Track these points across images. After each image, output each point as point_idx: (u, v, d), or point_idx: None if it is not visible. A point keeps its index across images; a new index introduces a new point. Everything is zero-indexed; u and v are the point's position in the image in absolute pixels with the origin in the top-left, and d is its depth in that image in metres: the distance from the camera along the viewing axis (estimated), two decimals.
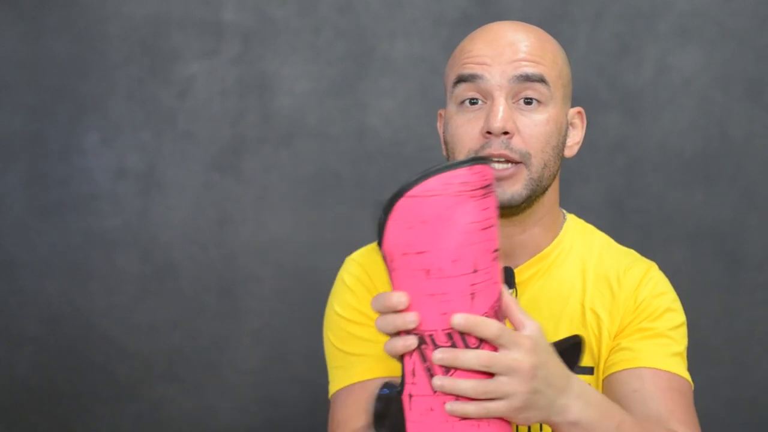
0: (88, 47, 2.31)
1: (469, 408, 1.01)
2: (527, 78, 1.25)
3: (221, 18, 2.30)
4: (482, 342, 1.02)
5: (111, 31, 2.31)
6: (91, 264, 2.32)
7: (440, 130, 1.36)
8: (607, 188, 2.26)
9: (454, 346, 1.02)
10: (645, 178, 2.26)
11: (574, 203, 1.46)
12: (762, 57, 2.25)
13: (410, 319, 1.01)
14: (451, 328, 1.02)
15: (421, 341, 1.02)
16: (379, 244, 1.03)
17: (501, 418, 1.05)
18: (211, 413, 2.30)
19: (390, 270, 1.04)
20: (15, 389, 2.32)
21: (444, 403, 1.03)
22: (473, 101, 1.26)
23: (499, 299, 1.04)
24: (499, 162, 1.24)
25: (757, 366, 2.26)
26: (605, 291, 1.31)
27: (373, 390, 1.07)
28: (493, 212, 1.03)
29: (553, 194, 1.32)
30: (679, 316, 1.32)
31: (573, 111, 1.33)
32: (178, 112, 2.31)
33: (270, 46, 2.30)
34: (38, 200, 2.31)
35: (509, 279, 1.29)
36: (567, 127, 1.31)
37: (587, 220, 1.41)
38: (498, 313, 1.04)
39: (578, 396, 1.07)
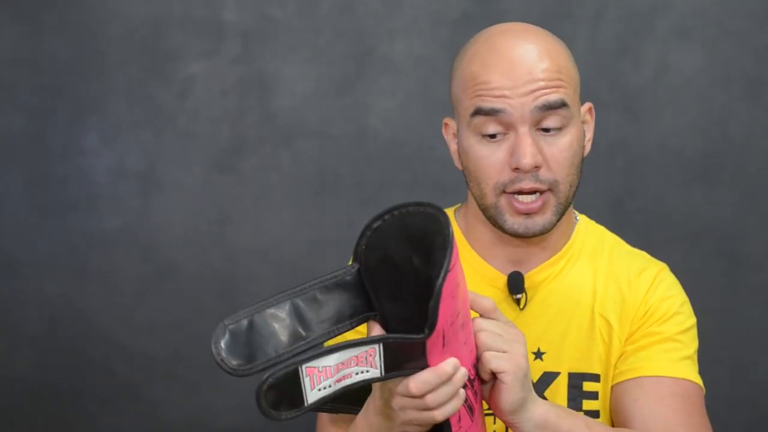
0: (88, 47, 2.31)
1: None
2: (549, 107, 1.23)
3: (221, 18, 2.30)
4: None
5: (111, 31, 2.31)
6: (91, 264, 2.32)
7: (447, 138, 1.34)
8: (607, 188, 2.26)
9: (477, 372, 1.08)
10: (645, 178, 2.26)
11: (574, 203, 1.46)
12: (762, 57, 2.25)
13: (464, 373, 1.05)
14: (475, 358, 1.08)
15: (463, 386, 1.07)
16: (431, 331, 1.01)
17: None
18: (211, 413, 2.30)
19: (436, 351, 1.03)
20: (15, 389, 2.32)
21: (477, 424, 1.09)
22: (494, 135, 1.24)
23: None
24: (528, 194, 1.23)
25: (757, 366, 2.26)
26: (616, 296, 1.30)
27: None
28: None
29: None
30: (688, 319, 1.32)
31: (584, 109, 1.32)
32: (178, 112, 2.31)
33: (270, 46, 2.30)
34: (38, 200, 2.31)
35: (518, 284, 1.28)
36: (584, 131, 1.30)
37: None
38: None
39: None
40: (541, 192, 1.23)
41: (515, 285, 1.29)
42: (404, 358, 1.03)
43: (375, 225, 1.07)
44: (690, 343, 1.31)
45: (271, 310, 1.06)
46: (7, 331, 2.32)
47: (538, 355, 1.28)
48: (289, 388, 0.99)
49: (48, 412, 2.32)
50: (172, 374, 2.31)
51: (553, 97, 1.23)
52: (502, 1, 2.24)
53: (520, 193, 1.23)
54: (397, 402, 1.07)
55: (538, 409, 1.12)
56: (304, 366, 0.99)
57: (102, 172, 2.31)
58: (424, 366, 1.03)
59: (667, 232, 2.26)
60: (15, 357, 2.32)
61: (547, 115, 1.23)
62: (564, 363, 1.28)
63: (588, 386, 1.28)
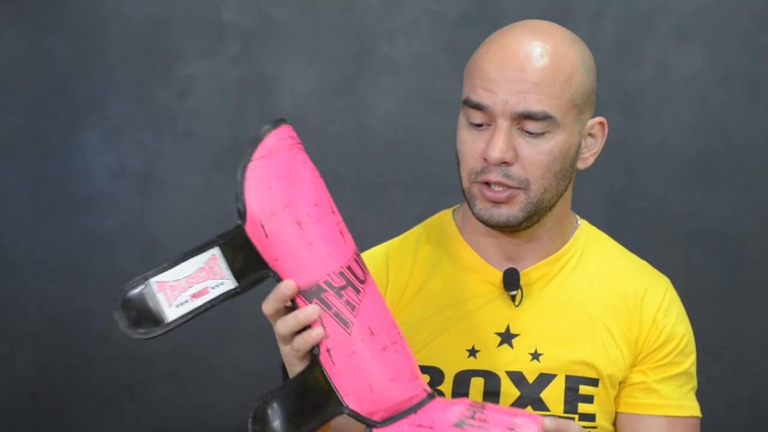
0: (88, 47, 2.31)
1: None
2: (529, 116, 1.23)
3: (221, 18, 2.30)
4: (365, 278, 1.08)
5: (111, 31, 2.31)
6: (91, 264, 2.32)
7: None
8: (607, 188, 2.26)
9: (349, 282, 1.07)
10: (645, 178, 2.26)
11: (574, 203, 1.46)
12: (762, 57, 2.25)
13: (310, 313, 1.05)
14: (342, 266, 1.07)
15: (320, 290, 1.06)
16: (243, 218, 1.06)
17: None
18: (211, 413, 2.30)
19: (262, 244, 1.07)
20: (15, 389, 2.32)
21: (361, 340, 1.06)
22: (479, 124, 1.25)
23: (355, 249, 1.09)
24: (496, 185, 1.24)
25: (757, 365, 2.26)
26: (621, 308, 1.30)
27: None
28: None
29: (563, 204, 1.31)
30: (693, 344, 1.35)
31: (594, 121, 1.30)
32: (178, 112, 2.31)
33: (270, 46, 2.30)
34: (38, 200, 2.31)
35: (514, 280, 1.28)
36: (580, 143, 1.29)
37: (587, 220, 1.40)
38: (358, 256, 1.09)
39: None
40: (510, 187, 1.23)
41: (511, 281, 1.28)
42: (244, 261, 1.08)
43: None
44: (695, 372, 1.35)
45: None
46: (7, 331, 2.32)
47: (536, 356, 1.28)
48: (148, 306, 1.07)
49: (48, 412, 2.32)
50: (172, 374, 2.31)
51: (537, 108, 1.22)
52: (502, 1, 2.24)
53: (488, 183, 1.24)
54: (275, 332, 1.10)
55: None
56: (152, 281, 1.07)
57: (102, 172, 2.31)
58: (272, 273, 1.08)
59: (667, 232, 2.26)
60: (15, 357, 2.32)
61: (528, 122, 1.23)
62: (562, 366, 1.28)
63: (584, 390, 1.28)
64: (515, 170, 1.23)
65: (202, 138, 2.31)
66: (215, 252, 1.07)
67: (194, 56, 2.30)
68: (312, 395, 1.07)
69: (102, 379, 2.31)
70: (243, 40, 2.30)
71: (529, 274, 1.30)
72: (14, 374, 2.32)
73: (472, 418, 1.07)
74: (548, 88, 1.24)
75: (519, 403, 1.27)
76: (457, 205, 1.39)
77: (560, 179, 1.26)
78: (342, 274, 1.07)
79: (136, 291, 1.06)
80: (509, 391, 1.27)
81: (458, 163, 1.30)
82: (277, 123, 1.10)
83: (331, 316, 1.06)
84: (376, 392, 1.07)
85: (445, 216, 1.38)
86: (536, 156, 1.24)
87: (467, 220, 1.33)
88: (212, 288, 1.08)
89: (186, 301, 1.06)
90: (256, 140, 1.09)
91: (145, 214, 2.31)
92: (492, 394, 1.26)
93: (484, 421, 1.07)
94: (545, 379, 1.27)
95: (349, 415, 1.06)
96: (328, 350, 1.06)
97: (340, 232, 1.09)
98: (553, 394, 1.28)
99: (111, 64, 2.31)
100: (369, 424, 1.07)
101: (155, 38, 2.30)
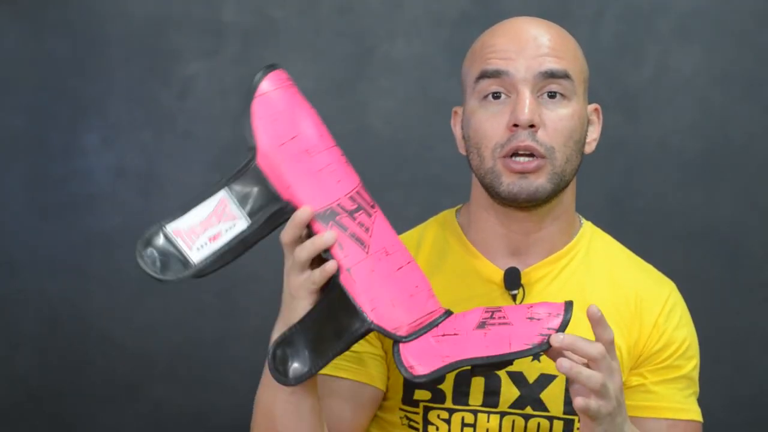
0: (88, 47, 2.31)
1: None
2: (552, 74, 1.25)
3: (221, 18, 2.30)
4: (374, 204, 1.15)
5: (111, 31, 2.31)
6: (91, 264, 2.32)
7: (454, 128, 1.35)
8: (607, 188, 2.26)
9: (360, 206, 1.14)
10: (645, 178, 2.26)
11: (575, 204, 1.46)
12: (762, 57, 2.25)
13: (328, 238, 1.10)
14: (352, 191, 1.15)
15: (334, 213, 1.12)
16: (254, 152, 1.10)
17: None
18: (211, 413, 2.30)
19: (275, 174, 1.11)
20: (15, 389, 2.32)
21: (379, 259, 1.11)
22: (496, 95, 1.26)
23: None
24: (523, 155, 1.24)
25: (757, 365, 2.26)
26: (622, 310, 1.30)
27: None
28: None
29: (571, 193, 1.32)
30: (696, 349, 1.35)
31: (590, 108, 1.34)
32: (178, 112, 2.31)
33: (270, 46, 2.30)
34: (38, 200, 2.31)
35: (514, 279, 1.28)
36: (587, 123, 1.31)
37: (587, 220, 1.40)
38: (364, 186, 1.16)
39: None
40: (537, 156, 1.24)
41: (512, 280, 1.29)
42: (256, 197, 1.11)
43: None
44: (696, 377, 1.35)
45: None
46: (7, 331, 2.32)
47: (536, 356, 1.28)
48: (171, 251, 1.12)
49: (48, 412, 2.32)
50: (172, 374, 2.31)
51: (557, 65, 1.25)
52: (502, 1, 2.24)
53: (516, 153, 1.24)
54: (285, 267, 1.13)
55: None
56: (168, 229, 1.12)
57: (102, 172, 2.31)
58: (284, 205, 1.11)
59: (667, 232, 2.26)
60: (15, 357, 2.32)
61: (549, 83, 1.25)
62: None
63: None
64: (541, 136, 1.25)
65: (202, 138, 2.31)
66: (224, 194, 1.11)
67: (194, 56, 2.30)
68: (335, 318, 1.10)
69: (102, 379, 2.31)
70: (243, 40, 2.30)
71: (530, 274, 1.31)
72: (14, 374, 2.32)
73: (492, 317, 1.12)
74: (564, 53, 1.27)
75: (519, 404, 1.27)
76: (460, 206, 1.39)
77: (578, 152, 1.28)
78: (353, 198, 1.14)
79: (155, 238, 1.12)
80: (509, 390, 1.27)
81: (470, 154, 1.30)
82: (269, 68, 1.14)
83: (348, 237, 1.11)
84: (398, 308, 1.11)
85: (448, 216, 1.38)
86: (559, 122, 1.25)
87: (472, 220, 1.34)
88: (225, 231, 1.11)
89: (205, 244, 1.10)
90: (252, 87, 1.12)
91: (145, 214, 2.31)
92: (492, 393, 1.26)
93: (504, 317, 1.11)
94: (546, 379, 1.27)
95: (375, 330, 1.10)
96: (348, 269, 1.10)
97: (346, 161, 1.16)
98: (553, 395, 1.28)
99: (111, 64, 2.31)
100: (396, 339, 1.11)
101: (155, 38, 2.30)
